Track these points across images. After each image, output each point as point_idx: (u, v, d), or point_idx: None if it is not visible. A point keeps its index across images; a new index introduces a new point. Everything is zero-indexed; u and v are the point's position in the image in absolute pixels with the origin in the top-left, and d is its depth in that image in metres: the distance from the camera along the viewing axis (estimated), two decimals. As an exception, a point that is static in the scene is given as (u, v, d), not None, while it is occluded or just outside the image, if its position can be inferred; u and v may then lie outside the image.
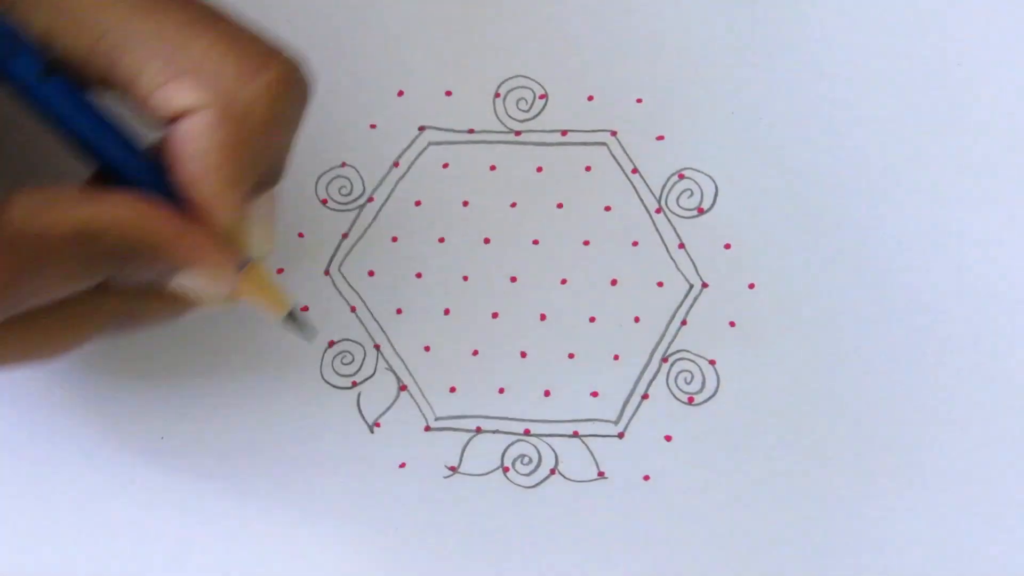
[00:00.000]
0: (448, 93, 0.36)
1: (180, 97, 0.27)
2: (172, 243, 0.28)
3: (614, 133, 0.36)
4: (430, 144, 0.36)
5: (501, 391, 0.34)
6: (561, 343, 0.35)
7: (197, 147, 0.28)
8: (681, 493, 0.34)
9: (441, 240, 0.35)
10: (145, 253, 0.27)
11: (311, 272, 0.35)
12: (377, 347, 0.35)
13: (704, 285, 0.35)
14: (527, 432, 0.34)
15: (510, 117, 0.36)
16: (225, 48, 0.28)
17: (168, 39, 0.27)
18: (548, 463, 0.34)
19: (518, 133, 0.36)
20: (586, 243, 0.35)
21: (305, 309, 0.35)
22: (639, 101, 0.36)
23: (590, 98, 0.36)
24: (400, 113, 0.36)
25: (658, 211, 0.36)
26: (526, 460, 0.34)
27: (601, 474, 0.34)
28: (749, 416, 0.34)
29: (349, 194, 0.36)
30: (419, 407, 0.34)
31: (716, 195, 0.36)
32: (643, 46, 0.37)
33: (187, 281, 0.29)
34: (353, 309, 0.35)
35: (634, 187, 0.36)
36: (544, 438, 0.34)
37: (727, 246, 0.35)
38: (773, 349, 0.35)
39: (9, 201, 0.26)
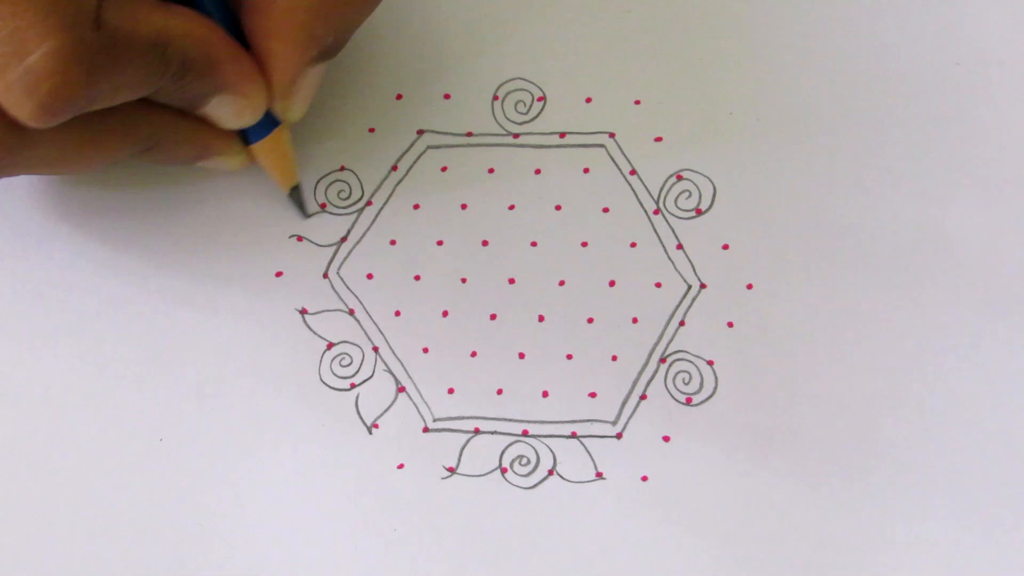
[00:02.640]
0: (447, 96, 0.36)
1: None
2: (226, 63, 0.30)
3: (612, 135, 0.36)
4: (428, 147, 0.36)
5: (499, 392, 0.35)
6: (559, 344, 0.35)
7: (289, 1, 0.30)
8: (679, 494, 0.34)
9: (439, 243, 0.36)
10: (202, 68, 0.30)
11: (310, 275, 0.35)
12: (376, 349, 0.35)
13: (702, 286, 0.35)
14: (525, 433, 0.34)
15: (508, 120, 0.36)
16: None
17: None
18: (546, 464, 0.34)
19: (516, 135, 0.36)
20: (584, 244, 0.36)
21: (304, 312, 0.35)
22: (637, 103, 0.36)
23: (588, 100, 0.36)
24: (398, 117, 0.36)
25: (656, 212, 0.36)
26: (524, 461, 0.34)
27: (599, 475, 0.34)
28: (747, 417, 0.34)
29: (348, 198, 0.36)
30: (417, 408, 0.34)
31: (714, 196, 0.36)
32: (641, 48, 0.37)
33: (221, 106, 0.31)
34: (352, 311, 0.35)
35: (632, 188, 0.36)
36: (542, 439, 0.34)
37: (725, 247, 0.35)
38: (771, 350, 0.34)
39: (102, 4, 0.27)
